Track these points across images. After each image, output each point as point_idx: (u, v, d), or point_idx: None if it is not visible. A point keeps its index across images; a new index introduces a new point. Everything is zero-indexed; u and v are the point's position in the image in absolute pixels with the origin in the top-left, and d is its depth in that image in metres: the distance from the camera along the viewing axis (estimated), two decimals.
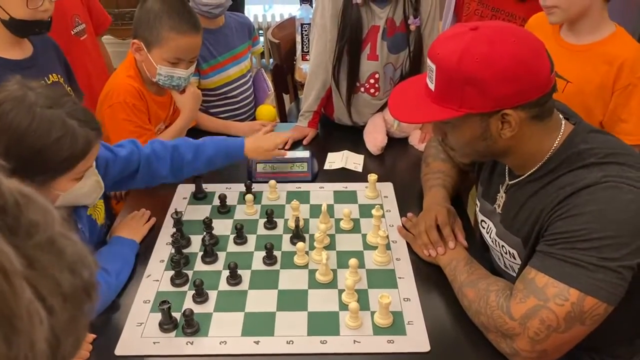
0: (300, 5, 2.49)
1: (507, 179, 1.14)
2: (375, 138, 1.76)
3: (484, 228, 1.25)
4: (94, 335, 1.08)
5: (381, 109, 1.85)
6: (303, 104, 1.87)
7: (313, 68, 1.81)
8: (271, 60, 2.56)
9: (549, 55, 0.99)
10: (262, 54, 3.72)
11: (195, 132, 1.85)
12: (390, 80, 1.81)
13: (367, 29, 1.70)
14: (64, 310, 0.29)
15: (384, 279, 1.23)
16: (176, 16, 1.55)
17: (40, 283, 0.28)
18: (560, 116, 1.06)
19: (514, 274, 1.14)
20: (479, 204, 1.27)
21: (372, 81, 1.79)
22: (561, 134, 1.04)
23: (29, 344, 0.26)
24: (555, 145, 1.03)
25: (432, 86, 1.02)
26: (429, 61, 1.02)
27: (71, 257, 0.31)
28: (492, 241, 1.20)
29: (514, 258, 1.13)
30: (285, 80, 2.54)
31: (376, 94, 1.81)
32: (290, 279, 1.23)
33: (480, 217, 1.26)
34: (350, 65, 1.74)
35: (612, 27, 1.47)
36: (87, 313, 0.32)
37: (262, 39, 3.09)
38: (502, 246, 1.15)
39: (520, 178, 1.09)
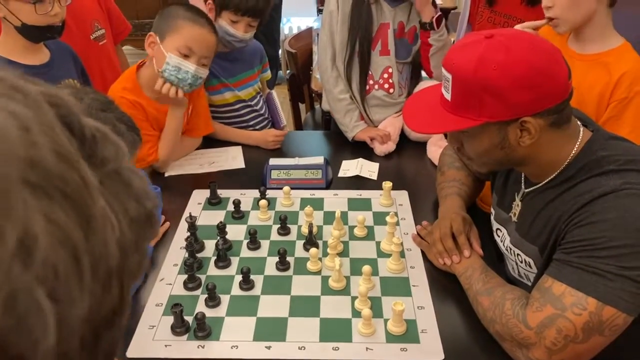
0: (317, 15, 2.51)
1: (522, 186, 1.13)
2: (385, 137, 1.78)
3: (498, 237, 1.23)
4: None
5: (397, 113, 1.86)
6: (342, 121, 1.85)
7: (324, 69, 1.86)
8: (288, 71, 2.57)
9: (565, 61, 0.98)
10: (279, 65, 3.75)
11: (211, 141, 1.86)
12: (401, 79, 1.86)
13: (377, 25, 1.77)
14: (130, 230, 0.33)
15: (398, 286, 1.22)
16: (195, 11, 1.63)
17: (110, 200, 0.32)
18: (578, 123, 1.05)
19: (529, 283, 1.12)
20: (493, 212, 1.25)
21: (385, 76, 1.83)
22: (579, 141, 1.02)
23: (103, 243, 0.29)
24: (573, 152, 1.01)
25: (448, 96, 1.01)
26: (444, 71, 1.01)
27: (136, 190, 0.34)
28: (507, 250, 1.18)
29: (530, 267, 1.11)
30: (302, 89, 2.56)
31: (391, 90, 1.84)
32: (303, 285, 1.23)
33: (495, 225, 1.24)
34: (361, 61, 1.79)
35: (618, 40, 1.44)
36: (148, 238, 0.36)
37: (280, 51, 3.13)
38: (518, 255, 1.13)
39: (537, 186, 1.08)
